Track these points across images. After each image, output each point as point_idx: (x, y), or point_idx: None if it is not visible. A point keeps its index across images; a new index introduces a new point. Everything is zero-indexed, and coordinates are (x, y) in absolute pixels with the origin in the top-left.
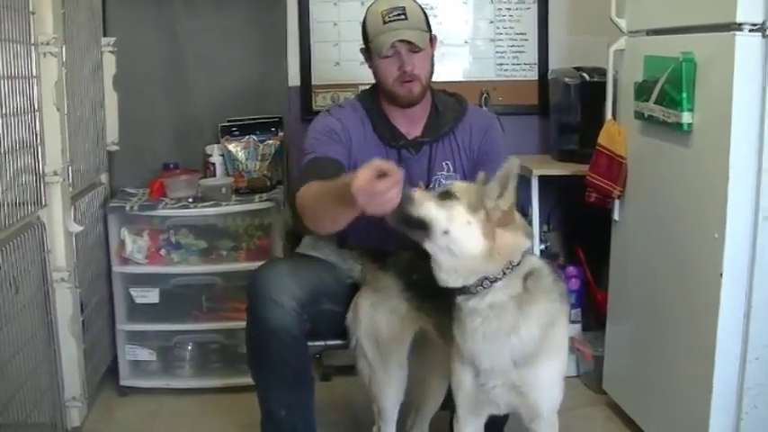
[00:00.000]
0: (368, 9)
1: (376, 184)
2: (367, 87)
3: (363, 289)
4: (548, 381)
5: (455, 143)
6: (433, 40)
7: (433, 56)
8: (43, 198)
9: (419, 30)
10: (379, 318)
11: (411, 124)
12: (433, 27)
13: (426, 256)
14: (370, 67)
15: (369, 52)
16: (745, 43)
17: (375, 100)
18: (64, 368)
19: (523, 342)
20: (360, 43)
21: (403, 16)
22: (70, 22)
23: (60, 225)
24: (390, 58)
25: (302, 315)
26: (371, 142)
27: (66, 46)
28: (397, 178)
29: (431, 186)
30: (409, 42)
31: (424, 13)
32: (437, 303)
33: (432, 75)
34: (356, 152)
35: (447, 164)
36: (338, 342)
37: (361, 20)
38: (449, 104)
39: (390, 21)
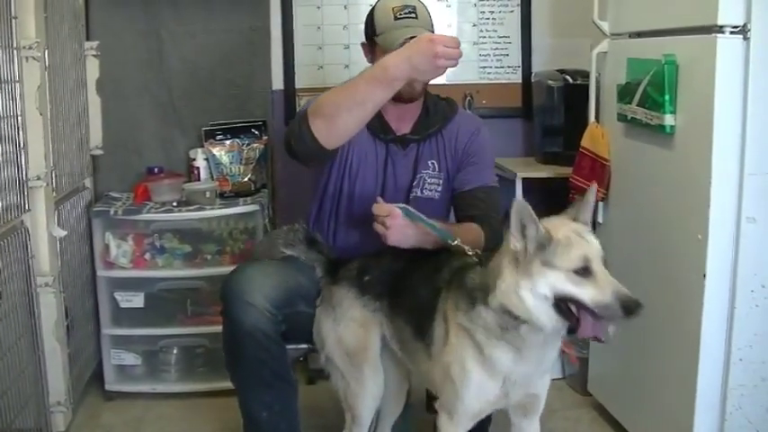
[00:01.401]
0: (376, 5)
1: (447, 37)
2: None
3: (321, 306)
4: (548, 382)
5: (442, 143)
6: None
7: None
8: (27, 203)
9: (427, 30)
10: (342, 330)
11: (402, 121)
12: None
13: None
14: (370, 61)
15: (372, 46)
16: (727, 45)
17: None
18: (48, 373)
19: (553, 354)
20: (341, 45)
21: (413, 15)
22: (53, 26)
23: (44, 230)
24: None
25: (277, 316)
26: (361, 133)
27: (49, 50)
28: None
29: (414, 183)
30: None
31: (430, 16)
32: (392, 302)
33: None
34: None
35: (433, 163)
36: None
37: (367, 14)
38: (440, 107)
39: (402, 18)
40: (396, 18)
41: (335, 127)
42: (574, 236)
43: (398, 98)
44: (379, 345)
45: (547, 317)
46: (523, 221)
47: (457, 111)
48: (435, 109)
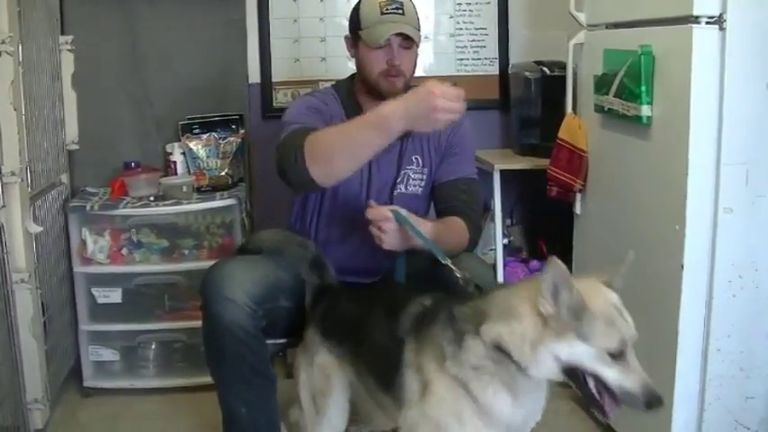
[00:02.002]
0: None
1: (453, 91)
2: (340, 79)
3: (299, 345)
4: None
5: (426, 137)
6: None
7: (417, 55)
8: (1, 199)
9: (413, 26)
10: (309, 374)
11: None
12: None
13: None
14: (353, 55)
15: (356, 40)
16: (703, 36)
17: (350, 91)
18: (25, 370)
19: (544, 395)
20: (318, 38)
21: (400, 11)
22: (26, 20)
23: (19, 226)
24: (382, 49)
25: (257, 311)
26: None
27: (23, 45)
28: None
29: (398, 180)
30: (405, 37)
31: (416, 12)
32: (353, 349)
33: (414, 72)
34: None
35: (417, 158)
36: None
37: (353, 7)
38: None
39: (388, 12)
40: (382, 13)
41: (332, 171)
42: (613, 312)
43: (381, 97)
44: (344, 391)
45: (548, 374)
46: (557, 285)
47: None
48: None
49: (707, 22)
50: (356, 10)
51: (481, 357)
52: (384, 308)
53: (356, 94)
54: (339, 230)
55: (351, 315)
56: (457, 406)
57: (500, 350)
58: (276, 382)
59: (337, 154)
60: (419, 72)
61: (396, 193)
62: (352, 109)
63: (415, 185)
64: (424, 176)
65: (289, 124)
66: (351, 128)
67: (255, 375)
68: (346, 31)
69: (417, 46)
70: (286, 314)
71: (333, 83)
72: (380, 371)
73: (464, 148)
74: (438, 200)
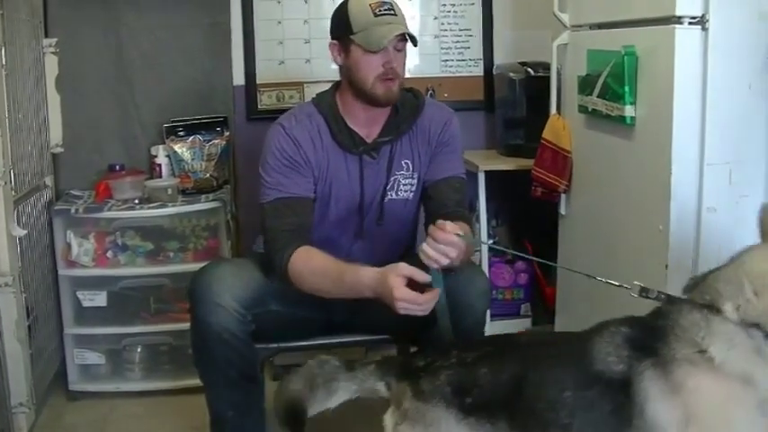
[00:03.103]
0: (348, 2)
1: (419, 299)
2: (321, 91)
3: (407, 425)
4: None
5: (415, 140)
6: None
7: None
8: None
9: (405, 27)
10: None
11: (371, 125)
12: None
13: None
14: (341, 62)
15: (347, 45)
16: (685, 36)
17: (332, 104)
18: (10, 374)
19: None
20: (302, 40)
21: (392, 11)
22: (10, 22)
23: (3, 229)
24: (378, 53)
25: (246, 316)
26: (331, 151)
27: (6, 47)
28: (436, 294)
29: (388, 187)
30: (401, 38)
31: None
32: (520, 421)
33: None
34: (316, 168)
35: (407, 163)
36: (292, 344)
37: (336, 11)
38: (406, 100)
39: (382, 14)
40: (376, 15)
41: (312, 292)
42: None
43: (376, 103)
44: None
45: None
46: None
47: (424, 102)
48: (403, 104)
49: (690, 23)
50: (343, 14)
51: (744, 338)
52: (545, 356)
53: (338, 107)
54: (330, 241)
55: (509, 378)
56: (743, 405)
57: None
58: (264, 385)
59: (315, 290)
60: (405, 73)
61: (387, 199)
62: (336, 123)
63: (405, 191)
64: (415, 181)
65: (267, 184)
66: (329, 278)
67: (243, 379)
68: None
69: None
70: (276, 318)
71: (313, 97)
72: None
73: (455, 146)
74: (430, 198)
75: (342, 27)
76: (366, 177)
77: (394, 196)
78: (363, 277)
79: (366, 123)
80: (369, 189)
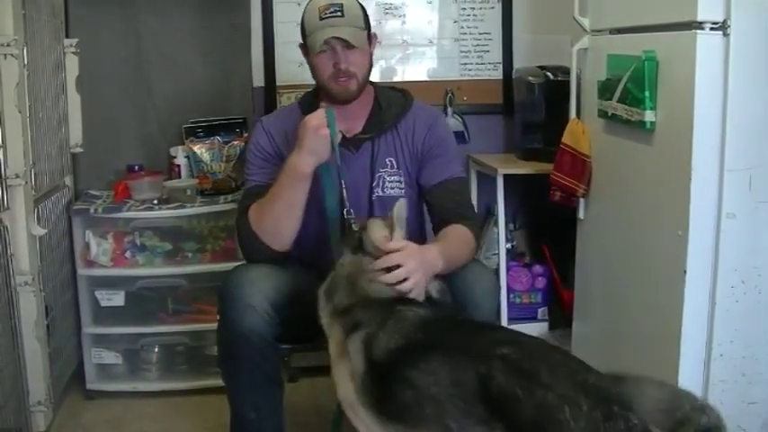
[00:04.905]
0: (307, 5)
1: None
2: (307, 91)
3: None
4: None
5: (398, 139)
6: (371, 37)
7: (371, 53)
8: (6, 201)
9: (354, 27)
10: None
11: (351, 121)
12: (397, 27)
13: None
14: (308, 63)
15: (305, 48)
16: (706, 42)
17: (313, 100)
18: (28, 373)
19: None
20: None
21: (339, 13)
22: (31, 23)
23: (23, 228)
24: (325, 54)
25: (275, 319)
26: None
27: (28, 47)
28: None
29: (374, 184)
30: (342, 40)
31: (364, 11)
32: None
33: (370, 72)
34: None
35: (391, 161)
36: (305, 345)
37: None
38: (393, 100)
39: (326, 17)
40: (321, 18)
41: (282, 234)
42: None
43: (335, 100)
44: None
45: None
46: None
47: (412, 103)
48: (389, 102)
49: (711, 28)
50: (302, 18)
51: None
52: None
53: (318, 102)
54: (318, 242)
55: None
56: None
57: None
58: (284, 387)
59: (278, 217)
60: (423, 77)
61: (374, 197)
62: None
63: (393, 188)
64: (402, 178)
65: (245, 176)
66: (275, 191)
67: (267, 381)
68: None
69: (371, 44)
70: (302, 322)
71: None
72: None
73: (445, 148)
74: (430, 204)
75: (301, 30)
76: (346, 171)
77: (381, 193)
78: (291, 157)
79: (344, 119)
80: (352, 184)
